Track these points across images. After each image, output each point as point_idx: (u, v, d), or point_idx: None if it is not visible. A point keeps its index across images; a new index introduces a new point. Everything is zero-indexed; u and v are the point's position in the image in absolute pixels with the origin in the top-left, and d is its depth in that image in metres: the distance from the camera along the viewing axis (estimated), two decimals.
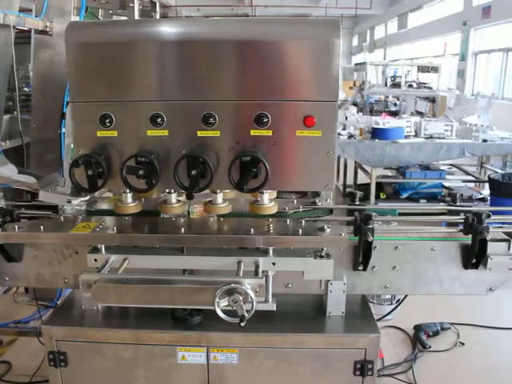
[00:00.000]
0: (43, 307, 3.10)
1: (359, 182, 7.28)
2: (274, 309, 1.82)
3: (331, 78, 1.57)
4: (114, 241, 1.77)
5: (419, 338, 3.47)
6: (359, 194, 2.07)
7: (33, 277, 1.98)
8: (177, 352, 1.85)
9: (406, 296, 2.17)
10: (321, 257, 1.81)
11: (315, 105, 1.59)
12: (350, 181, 7.52)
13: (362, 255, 1.85)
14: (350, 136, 6.42)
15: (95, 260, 1.79)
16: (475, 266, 1.89)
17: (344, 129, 6.82)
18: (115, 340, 1.87)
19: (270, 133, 1.61)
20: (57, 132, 2.86)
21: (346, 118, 7.32)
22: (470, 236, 1.86)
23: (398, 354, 3.36)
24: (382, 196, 6.77)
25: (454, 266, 1.92)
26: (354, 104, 11.04)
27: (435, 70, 10.75)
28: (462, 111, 7.28)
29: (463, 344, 3.50)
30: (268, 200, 1.79)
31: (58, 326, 1.89)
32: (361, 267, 1.87)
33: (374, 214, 1.82)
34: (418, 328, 3.57)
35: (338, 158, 7.37)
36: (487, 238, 1.80)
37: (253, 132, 1.62)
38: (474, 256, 1.86)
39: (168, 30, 1.59)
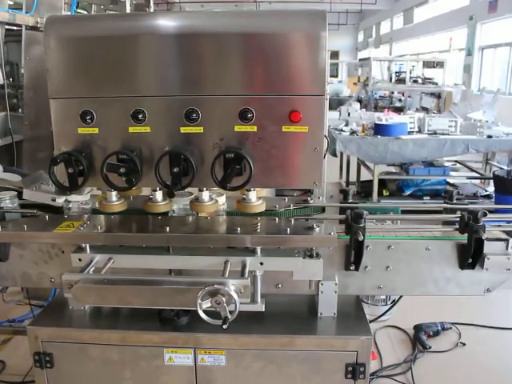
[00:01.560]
0: (37, 307, 3.07)
1: (362, 178, 7.21)
2: (263, 309, 1.78)
3: (317, 72, 1.52)
4: (98, 240, 1.73)
5: (419, 338, 3.41)
6: (352, 191, 2.02)
7: (19, 276, 1.94)
8: (164, 353, 1.81)
9: (401, 296, 2.11)
10: (310, 256, 1.76)
11: (301, 99, 1.54)
12: (353, 178, 7.45)
13: (353, 255, 1.80)
14: (352, 132, 6.35)
15: (79, 260, 1.75)
16: (472, 266, 1.83)
17: (346, 125, 6.75)
18: (101, 341, 1.83)
19: (254, 128, 1.57)
20: (49, 129, 2.82)
21: (349, 114, 7.26)
22: (466, 235, 1.80)
23: (398, 354, 3.30)
24: (385, 193, 6.70)
25: (450, 266, 1.86)
26: (359, 100, 10.97)
27: (441, 65, 10.67)
28: (466, 107, 7.19)
29: (464, 344, 3.44)
30: (256, 198, 1.75)
31: (43, 327, 1.86)
32: (353, 267, 1.82)
33: (365, 212, 1.76)
34: (418, 328, 3.51)
35: (341, 154, 7.32)
36: (483, 238, 1.74)
37: (237, 128, 1.57)
38: (471, 256, 1.80)
39: (148, 24, 1.55)
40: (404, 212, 2.08)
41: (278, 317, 1.90)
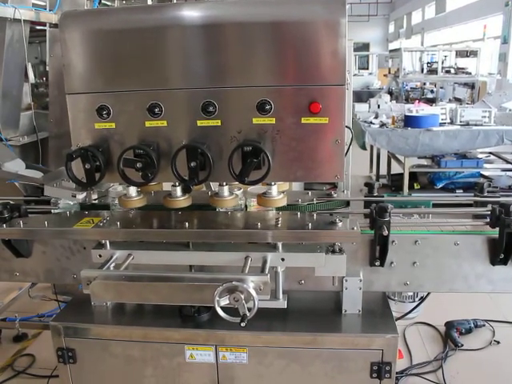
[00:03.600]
0: (65, 303, 3.10)
1: (393, 172, 7.06)
2: (285, 306, 1.74)
3: (337, 61, 1.46)
4: (116, 236, 1.72)
5: (451, 335, 3.31)
6: (377, 184, 1.96)
7: (42, 273, 1.96)
8: (185, 350, 1.79)
9: (429, 293, 2.04)
10: (333, 252, 1.70)
11: (321, 89, 1.48)
12: (383, 171, 7.30)
13: (378, 250, 1.74)
14: (382, 125, 6.22)
15: (100, 256, 1.74)
16: (504, 262, 1.74)
17: (376, 117, 6.61)
18: (123, 337, 1.83)
19: (273, 121, 1.52)
20: None
21: (379, 107, 7.12)
22: (497, 229, 1.72)
23: (428, 352, 3.21)
24: (416, 186, 6.54)
25: (480, 262, 1.77)
26: (389, 92, 10.73)
27: (474, 54, 10.33)
28: (501, 96, 6.95)
29: (498, 343, 3.32)
30: (277, 192, 1.70)
31: (66, 323, 1.86)
32: (378, 263, 1.76)
33: (390, 206, 1.69)
34: (449, 325, 3.41)
35: (371, 147, 7.18)
36: None
37: (255, 120, 1.53)
38: (502, 251, 1.71)
39: (163, 16, 1.51)
40: (434, 206, 1.99)
41: (301, 314, 1.86)
